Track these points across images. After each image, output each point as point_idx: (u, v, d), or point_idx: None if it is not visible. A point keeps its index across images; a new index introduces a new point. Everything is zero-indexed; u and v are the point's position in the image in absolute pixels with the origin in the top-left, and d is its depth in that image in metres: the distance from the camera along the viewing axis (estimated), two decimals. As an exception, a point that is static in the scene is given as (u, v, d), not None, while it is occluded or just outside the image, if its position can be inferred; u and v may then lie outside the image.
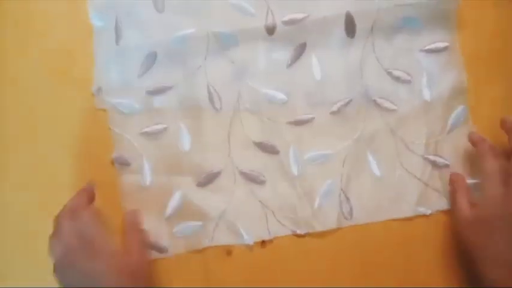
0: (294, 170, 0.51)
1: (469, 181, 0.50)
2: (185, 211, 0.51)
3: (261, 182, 0.52)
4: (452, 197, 0.49)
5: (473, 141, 0.49)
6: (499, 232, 0.43)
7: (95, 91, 0.52)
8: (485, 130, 0.51)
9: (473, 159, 0.51)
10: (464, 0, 0.52)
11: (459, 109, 0.52)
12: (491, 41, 0.54)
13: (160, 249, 0.51)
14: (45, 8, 0.53)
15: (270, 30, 0.52)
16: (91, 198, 0.47)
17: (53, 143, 0.52)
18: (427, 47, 0.53)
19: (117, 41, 0.52)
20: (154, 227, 0.51)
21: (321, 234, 0.51)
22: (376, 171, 0.52)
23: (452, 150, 0.52)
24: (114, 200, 0.51)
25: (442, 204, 0.51)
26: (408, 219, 0.51)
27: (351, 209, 0.51)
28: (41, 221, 0.50)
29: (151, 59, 0.52)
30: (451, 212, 0.50)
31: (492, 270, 0.43)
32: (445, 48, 0.53)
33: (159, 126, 0.52)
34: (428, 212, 0.51)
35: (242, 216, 0.51)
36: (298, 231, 0.51)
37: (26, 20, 0.53)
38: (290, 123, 0.52)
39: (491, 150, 0.47)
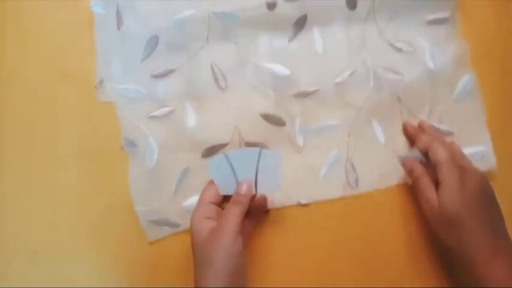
0: (300, 141, 0.52)
1: (473, 150, 0.51)
2: (192, 185, 0.51)
3: (267, 153, 0.52)
4: (417, 185, 0.47)
5: (409, 132, 0.51)
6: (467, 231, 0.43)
7: (97, 84, 0.53)
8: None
9: (478, 128, 0.52)
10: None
11: (466, 77, 0.52)
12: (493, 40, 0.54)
13: (172, 225, 0.51)
14: (45, 8, 0.54)
15: (271, 6, 0.52)
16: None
17: (54, 141, 0.52)
18: (428, 18, 0.53)
19: (118, 27, 0.52)
20: (164, 205, 0.51)
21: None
22: (381, 138, 0.52)
23: (457, 118, 0.52)
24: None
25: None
26: (410, 185, 0.51)
27: (357, 178, 0.51)
28: (41, 221, 0.51)
29: (153, 43, 0.52)
30: (420, 201, 0.47)
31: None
32: (446, 19, 0.53)
33: (166, 109, 0.52)
34: None
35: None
36: (303, 202, 0.51)
37: (26, 19, 0.54)
38: (295, 95, 0.52)
39: (439, 139, 0.48)
